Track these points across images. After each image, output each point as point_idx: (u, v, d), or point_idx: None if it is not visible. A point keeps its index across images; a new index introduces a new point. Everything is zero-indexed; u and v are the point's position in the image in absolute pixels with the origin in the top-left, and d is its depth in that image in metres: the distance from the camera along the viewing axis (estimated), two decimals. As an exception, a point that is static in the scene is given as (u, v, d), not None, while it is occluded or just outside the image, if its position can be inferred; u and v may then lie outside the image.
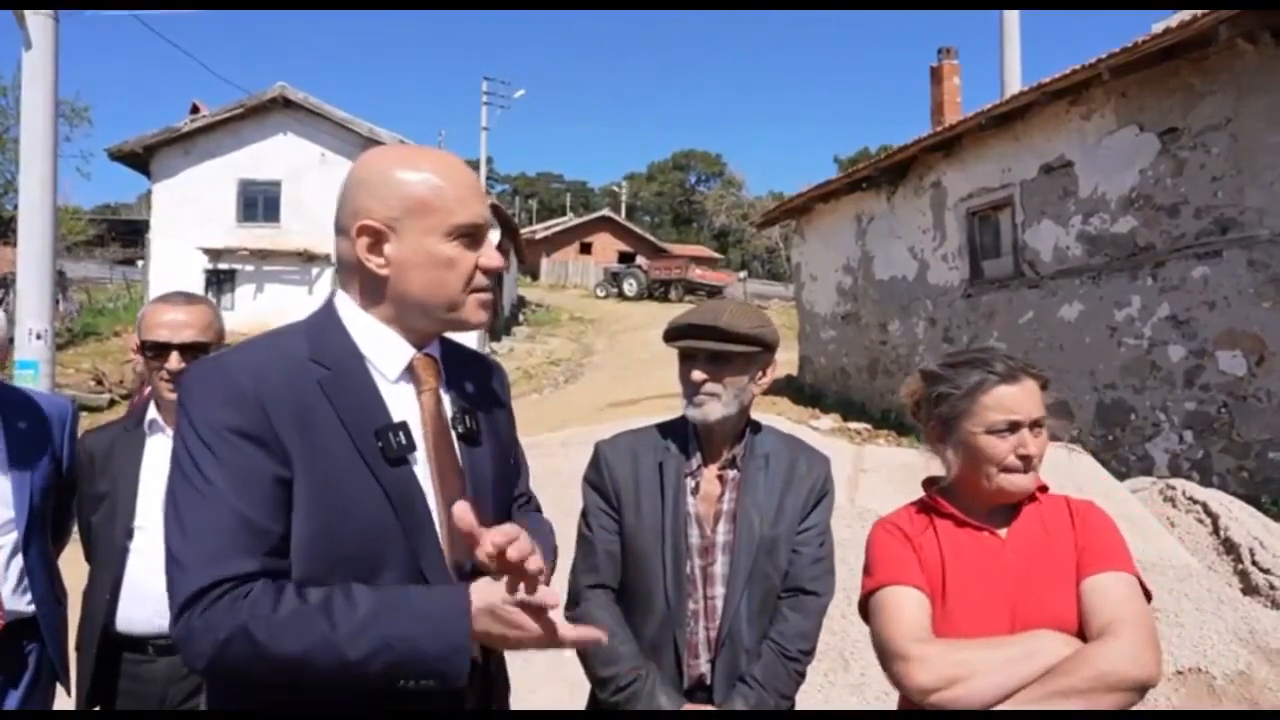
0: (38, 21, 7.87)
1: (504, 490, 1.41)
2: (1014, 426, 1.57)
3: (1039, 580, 1.53)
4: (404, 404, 1.27)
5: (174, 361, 2.09)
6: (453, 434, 1.31)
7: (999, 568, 1.56)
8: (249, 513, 1.12)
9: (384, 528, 1.19)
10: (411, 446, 1.23)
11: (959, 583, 1.56)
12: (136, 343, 2.19)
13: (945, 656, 1.47)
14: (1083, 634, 1.47)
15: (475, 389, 1.39)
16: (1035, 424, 1.57)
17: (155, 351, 2.12)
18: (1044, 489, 1.63)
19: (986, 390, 1.58)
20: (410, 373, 1.29)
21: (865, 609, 1.64)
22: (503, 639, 1.14)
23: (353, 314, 1.29)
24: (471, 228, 1.26)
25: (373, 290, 1.27)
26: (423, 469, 1.25)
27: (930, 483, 1.70)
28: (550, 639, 1.13)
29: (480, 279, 1.29)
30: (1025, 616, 1.50)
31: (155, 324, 2.13)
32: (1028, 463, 1.57)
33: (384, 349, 1.27)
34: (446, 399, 1.33)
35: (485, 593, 1.13)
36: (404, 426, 1.23)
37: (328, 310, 1.31)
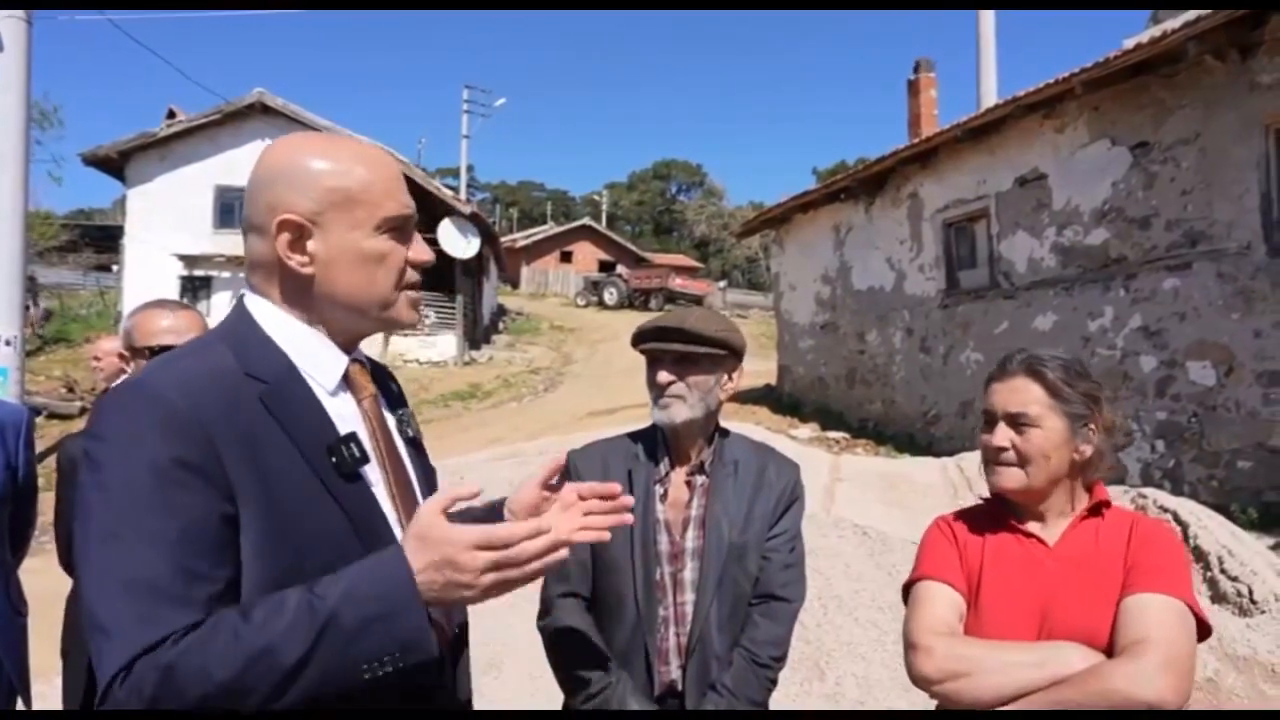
0: (9, 24, 7.78)
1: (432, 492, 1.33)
2: (989, 419, 1.60)
3: (1077, 592, 1.49)
4: (347, 415, 1.18)
5: None
6: (398, 440, 1.25)
7: (1037, 575, 1.53)
8: (190, 557, 0.97)
9: (347, 551, 1.05)
10: (365, 459, 1.15)
11: (994, 585, 1.55)
12: (100, 349, 2.15)
13: (951, 650, 1.46)
14: (1113, 652, 1.42)
15: (390, 393, 1.34)
16: (1016, 419, 1.56)
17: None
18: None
19: (988, 384, 1.64)
20: (347, 381, 1.21)
21: (906, 599, 1.66)
22: (452, 580, 0.99)
23: (274, 320, 1.16)
24: (401, 220, 1.19)
25: (296, 291, 1.16)
26: (377, 481, 1.17)
27: None
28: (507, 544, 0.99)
29: (412, 275, 1.22)
30: (1055, 626, 1.47)
31: (156, 330, 2.10)
32: (992, 454, 1.58)
33: (317, 358, 1.17)
34: (383, 405, 1.27)
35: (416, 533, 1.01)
36: (354, 438, 1.14)
37: (241, 317, 1.17)
